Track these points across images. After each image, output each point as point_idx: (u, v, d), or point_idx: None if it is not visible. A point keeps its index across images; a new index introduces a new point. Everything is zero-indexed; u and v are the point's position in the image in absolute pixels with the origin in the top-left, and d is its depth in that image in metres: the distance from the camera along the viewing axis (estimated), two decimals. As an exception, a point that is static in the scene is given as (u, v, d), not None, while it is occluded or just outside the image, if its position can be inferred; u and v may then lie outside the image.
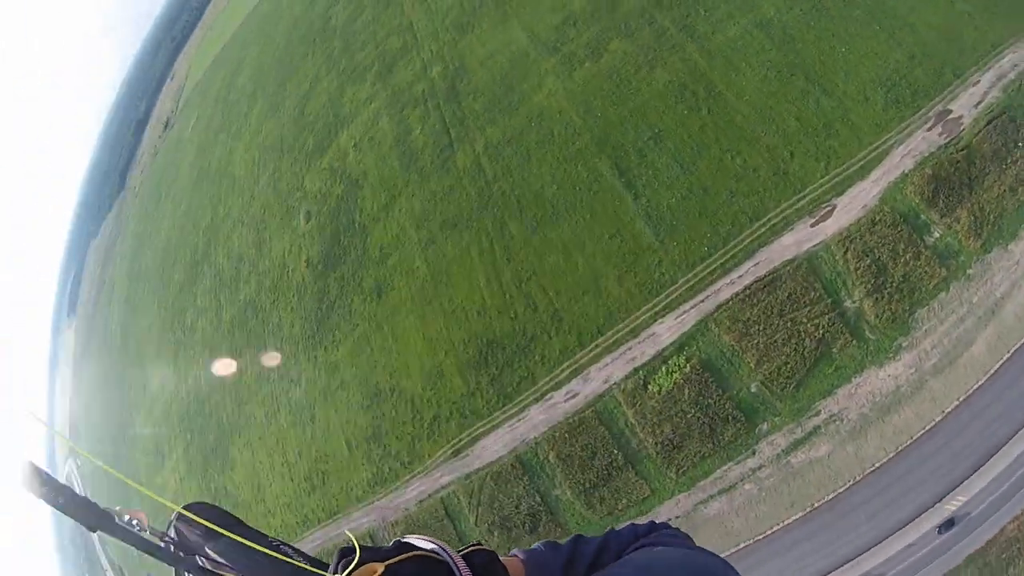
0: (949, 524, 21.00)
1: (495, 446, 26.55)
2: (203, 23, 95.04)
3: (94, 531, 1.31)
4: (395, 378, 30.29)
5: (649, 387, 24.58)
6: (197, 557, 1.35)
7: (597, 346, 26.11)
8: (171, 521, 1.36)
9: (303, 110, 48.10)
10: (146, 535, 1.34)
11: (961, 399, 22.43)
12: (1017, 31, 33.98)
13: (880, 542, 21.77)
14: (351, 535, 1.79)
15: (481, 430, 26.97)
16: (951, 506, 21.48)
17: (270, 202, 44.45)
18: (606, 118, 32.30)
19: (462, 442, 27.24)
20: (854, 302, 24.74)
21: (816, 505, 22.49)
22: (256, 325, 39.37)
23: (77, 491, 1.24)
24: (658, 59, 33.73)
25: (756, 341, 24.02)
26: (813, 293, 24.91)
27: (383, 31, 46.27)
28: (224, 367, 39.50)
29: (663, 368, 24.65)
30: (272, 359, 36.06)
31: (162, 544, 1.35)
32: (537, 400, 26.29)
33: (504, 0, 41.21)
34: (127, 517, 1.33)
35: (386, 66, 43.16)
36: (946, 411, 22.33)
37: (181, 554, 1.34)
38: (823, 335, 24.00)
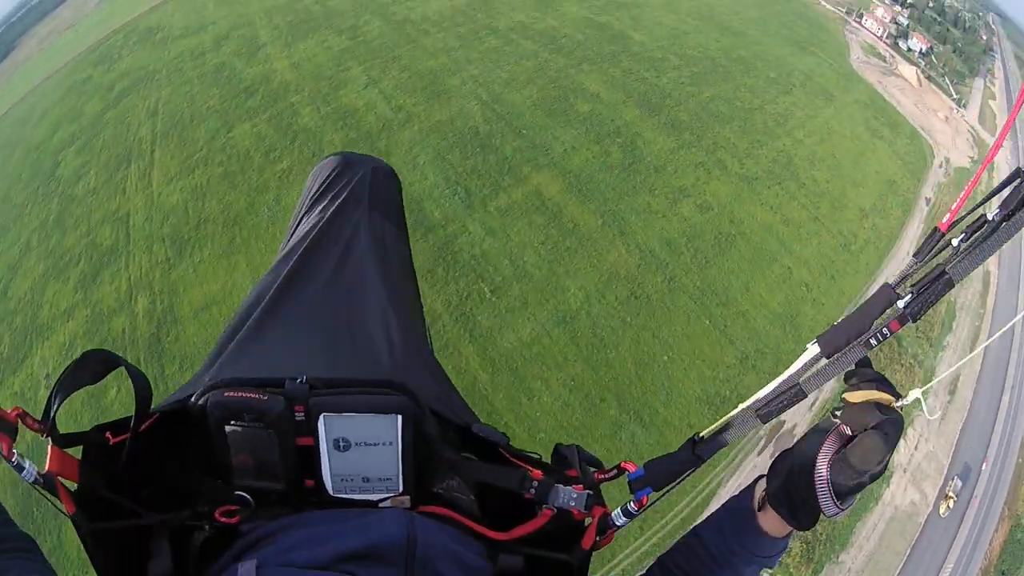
0: None
1: None
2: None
3: None
4: None
5: None
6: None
7: None
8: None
9: (7, 288, 31.36)
10: None
11: None
12: (852, 295, 30.55)
13: None
14: None
15: None
16: None
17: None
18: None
19: None
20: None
21: None
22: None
23: None
24: (426, 363, 29.56)
25: None
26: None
27: (100, 212, 33.27)
28: None
29: None
30: None
31: None
32: None
33: (233, 220, 29.64)
34: None
35: (93, 268, 29.86)
36: None
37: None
38: None
